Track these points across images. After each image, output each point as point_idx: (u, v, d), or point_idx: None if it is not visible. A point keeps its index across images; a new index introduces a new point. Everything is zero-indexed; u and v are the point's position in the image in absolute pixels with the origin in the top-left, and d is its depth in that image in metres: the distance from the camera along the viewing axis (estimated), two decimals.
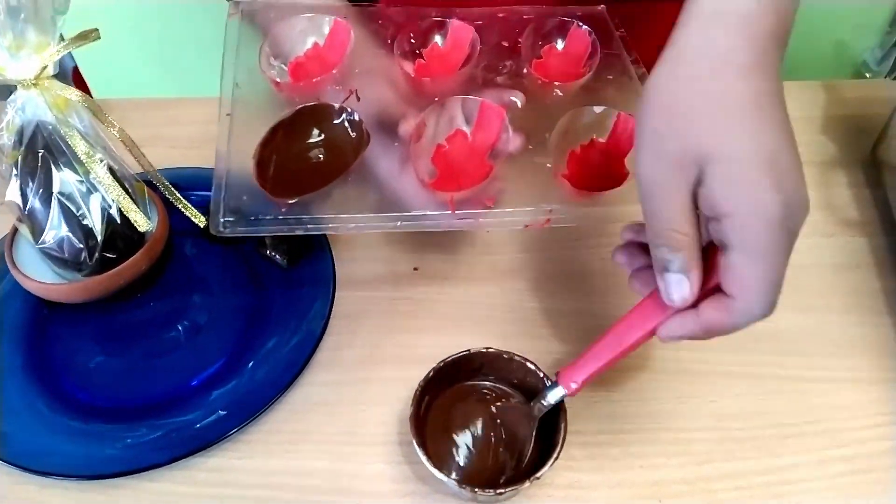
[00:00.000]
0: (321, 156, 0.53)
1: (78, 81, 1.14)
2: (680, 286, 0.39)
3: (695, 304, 0.40)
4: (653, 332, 0.42)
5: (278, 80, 0.55)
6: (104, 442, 0.49)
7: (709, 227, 0.38)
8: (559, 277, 0.59)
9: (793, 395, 0.52)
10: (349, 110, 0.52)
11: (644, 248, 0.43)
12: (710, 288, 0.39)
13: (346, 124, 0.53)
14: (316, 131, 0.53)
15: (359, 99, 0.53)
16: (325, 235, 0.58)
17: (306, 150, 0.53)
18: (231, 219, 0.47)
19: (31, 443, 0.49)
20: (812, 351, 0.55)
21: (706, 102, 0.37)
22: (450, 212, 0.48)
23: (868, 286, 0.59)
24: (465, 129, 0.54)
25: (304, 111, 0.53)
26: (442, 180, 0.51)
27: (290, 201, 0.48)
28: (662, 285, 0.40)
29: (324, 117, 0.53)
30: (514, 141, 0.51)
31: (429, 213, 0.48)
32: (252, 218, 0.47)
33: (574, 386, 0.45)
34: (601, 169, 0.53)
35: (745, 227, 0.35)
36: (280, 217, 0.47)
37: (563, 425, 0.46)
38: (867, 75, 1.27)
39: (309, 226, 0.48)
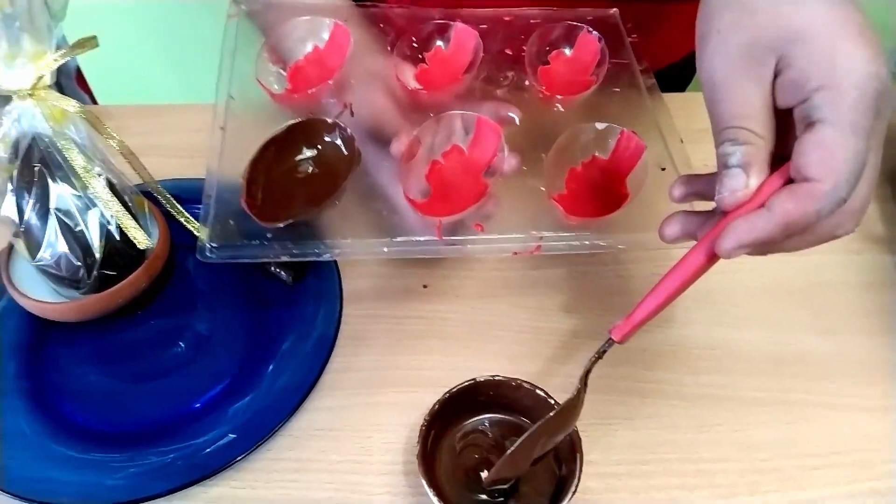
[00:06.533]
0: (311, 174, 0.51)
1: (81, 84, 1.12)
2: (734, 179, 0.35)
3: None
4: (709, 256, 0.37)
5: (276, 87, 0.54)
6: (103, 470, 0.47)
7: (794, 114, 0.35)
8: (573, 296, 0.57)
9: (820, 424, 0.50)
10: (342, 126, 0.51)
11: (691, 212, 0.40)
12: (771, 192, 0.35)
13: (339, 141, 0.51)
14: (307, 149, 0.52)
15: (353, 114, 0.52)
16: None
17: (296, 168, 0.52)
18: (217, 244, 0.46)
19: (27, 469, 0.47)
20: (839, 376, 0.53)
21: None
22: (437, 238, 0.47)
23: None
24: (462, 145, 0.52)
25: (296, 126, 0.51)
26: (435, 199, 0.50)
27: (278, 225, 0.47)
28: (718, 187, 0.36)
29: (316, 133, 0.52)
30: (509, 161, 0.49)
31: (416, 238, 0.47)
32: (239, 243, 0.46)
33: (618, 333, 0.41)
34: (601, 188, 0.52)
35: (842, 97, 0.33)
36: (266, 243, 0.46)
37: (578, 455, 0.44)
38: None
39: (295, 251, 0.47)
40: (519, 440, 0.43)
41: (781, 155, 0.37)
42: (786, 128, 0.36)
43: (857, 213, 0.37)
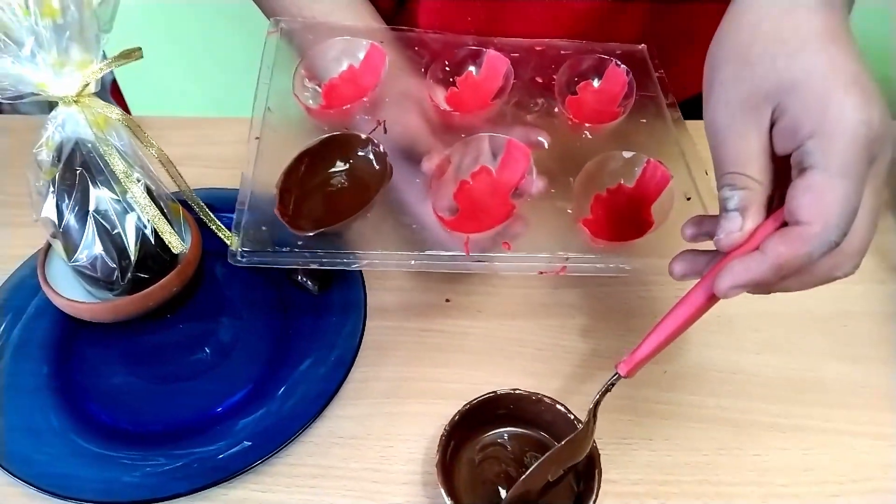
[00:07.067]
0: (343, 187, 0.53)
1: (116, 96, 1.15)
2: (730, 221, 0.37)
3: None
4: (709, 297, 0.38)
5: (311, 102, 0.55)
6: (124, 468, 0.48)
7: (791, 161, 0.36)
8: (596, 315, 0.57)
9: (839, 451, 0.50)
10: (375, 141, 0.52)
11: (699, 251, 0.41)
12: (766, 234, 0.37)
13: (371, 156, 0.52)
14: (340, 162, 0.53)
15: (386, 131, 0.53)
16: None
17: (329, 181, 0.53)
18: (249, 249, 0.47)
19: (51, 464, 0.48)
20: (860, 404, 0.52)
21: (776, 40, 0.37)
22: (464, 254, 0.48)
23: None
24: (491, 166, 0.53)
25: (330, 140, 0.53)
26: (463, 218, 0.50)
27: (309, 234, 0.48)
28: (717, 228, 0.38)
29: (350, 147, 0.53)
30: (537, 184, 0.51)
31: (443, 253, 0.48)
32: (270, 249, 0.47)
33: (625, 367, 0.41)
34: (626, 215, 0.52)
35: (830, 144, 0.34)
36: (296, 250, 0.47)
37: (596, 472, 0.44)
38: None
39: (324, 260, 0.47)
40: (529, 469, 0.43)
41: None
42: (787, 173, 0.38)
43: (855, 254, 0.37)
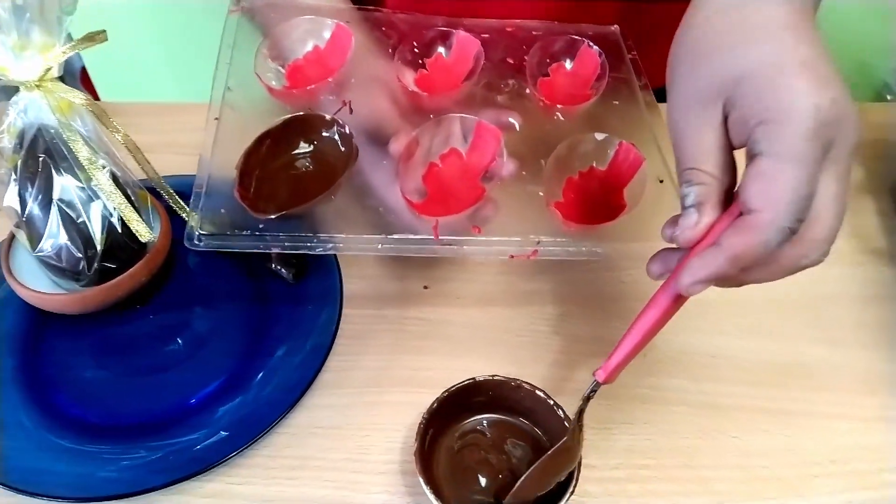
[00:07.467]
0: (307, 169, 0.51)
1: (85, 83, 1.12)
2: (686, 217, 0.37)
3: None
4: (677, 298, 0.38)
5: (273, 84, 0.54)
6: (98, 462, 0.46)
7: (746, 150, 0.36)
8: (576, 301, 0.57)
9: (820, 433, 0.50)
10: (340, 122, 0.51)
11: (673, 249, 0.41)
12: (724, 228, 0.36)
13: (336, 137, 0.51)
14: (304, 143, 0.52)
15: (351, 111, 0.52)
16: None
17: (292, 163, 0.51)
18: (207, 232, 0.46)
19: (21, 460, 0.46)
20: (839, 387, 0.53)
21: (735, 30, 0.37)
22: (433, 237, 0.47)
23: None
24: (461, 148, 0.52)
25: (293, 121, 0.51)
26: (432, 201, 0.49)
27: (271, 217, 0.46)
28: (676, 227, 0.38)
29: (314, 128, 0.51)
30: (507, 166, 0.50)
31: (412, 237, 0.47)
32: (229, 233, 0.46)
33: (602, 374, 0.41)
34: (598, 198, 0.52)
35: (778, 130, 0.34)
36: (257, 233, 0.46)
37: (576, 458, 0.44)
38: (888, 98, 1.25)
39: (287, 244, 0.46)
40: (519, 481, 0.43)
41: None
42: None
43: (822, 242, 0.36)
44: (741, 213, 0.36)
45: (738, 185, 0.37)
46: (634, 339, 0.40)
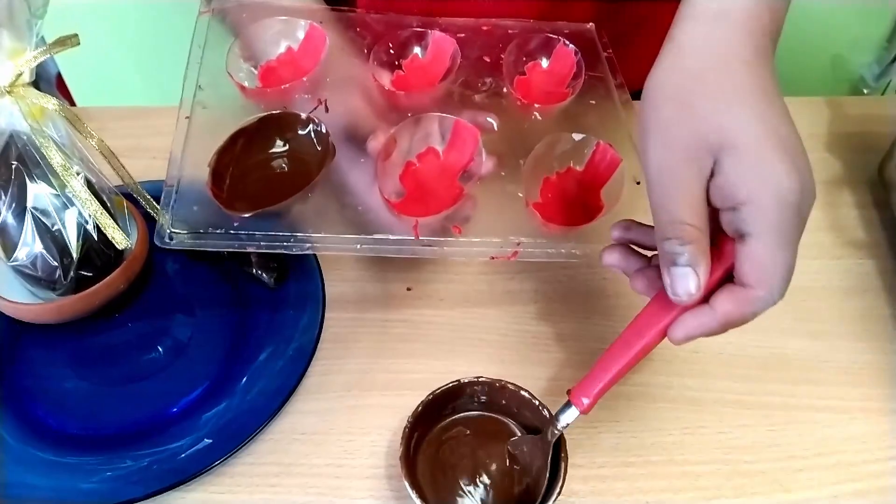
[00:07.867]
0: (282, 168, 0.51)
1: (61, 88, 1.11)
2: (686, 280, 0.38)
3: (704, 300, 0.38)
4: (663, 334, 0.40)
5: (246, 84, 0.53)
6: (79, 475, 0.46)
7: (721, 219, 0.38)
8: (559, 299, 0.57)
9: (803, 426, 0.50)
10: (316, 121, 0.50)
11: (633, 249, 0.43)
12: (714, 281, 0.38)
13: (312, 136, 0.51)
14: (279, 142, 0.51)
15: (327, 110, 0.51)
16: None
17: (267, 162, 0.51)
18: (179, 230, 0.45)
19: (1, 472, 0.45)
20: (822, 379, 0.53)
21: (717, 92, 0.38)
22: (413, 237, 0.46)
23: (877, 312, 0.57)
24: (439, 147, 0.52)
25: (268, 119, 0.51)
26: (410, 201, 0.49)
27: (245, 215, 0.46)
28: (668, 280, 0.38)
29: (289, 127, 0.51)
30: (486, 164, 0.50)
31: (391, 237, 0.46)
32: (202, 231, 0.45)
33: (586, 402, 0.42)
34: (576, 199, 0.52)
35: (766, 214, 0.36)
36: (232, 232, 0.45)
37: (562, 457, 0.43)
38: (864, 91, 1.26)
39: (262, 243, 0.45)
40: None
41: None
42: (713, 214, 0.38)
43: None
44: (728, 268, 0.38)
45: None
46: (616, 367, 0.41)
